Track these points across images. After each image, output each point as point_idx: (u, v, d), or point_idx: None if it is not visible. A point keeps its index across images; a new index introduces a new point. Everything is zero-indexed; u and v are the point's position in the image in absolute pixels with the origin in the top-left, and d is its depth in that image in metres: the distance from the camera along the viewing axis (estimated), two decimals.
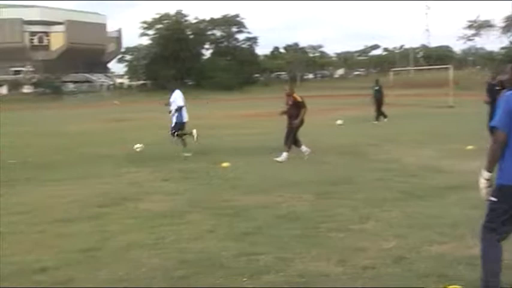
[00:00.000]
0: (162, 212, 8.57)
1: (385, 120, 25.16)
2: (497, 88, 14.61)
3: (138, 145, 16.11)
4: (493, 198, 4.73)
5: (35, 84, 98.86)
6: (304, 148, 13.88)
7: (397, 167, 12.08)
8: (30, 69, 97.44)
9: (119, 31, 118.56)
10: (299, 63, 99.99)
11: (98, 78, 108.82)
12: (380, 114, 25.66)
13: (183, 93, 15.58)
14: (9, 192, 10.75)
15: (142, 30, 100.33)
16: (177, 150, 15.17)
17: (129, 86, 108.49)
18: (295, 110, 13.73)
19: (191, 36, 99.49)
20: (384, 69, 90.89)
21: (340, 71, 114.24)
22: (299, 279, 5.49)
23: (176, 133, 15.66)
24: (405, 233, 6.93)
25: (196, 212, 8.47)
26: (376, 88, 26.19)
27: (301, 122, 13.82)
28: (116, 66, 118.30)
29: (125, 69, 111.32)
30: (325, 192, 9.59)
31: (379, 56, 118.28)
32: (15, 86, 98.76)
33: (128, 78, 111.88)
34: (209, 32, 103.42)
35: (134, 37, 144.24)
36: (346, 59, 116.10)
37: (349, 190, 9.75)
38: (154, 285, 5.48)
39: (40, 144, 19.31)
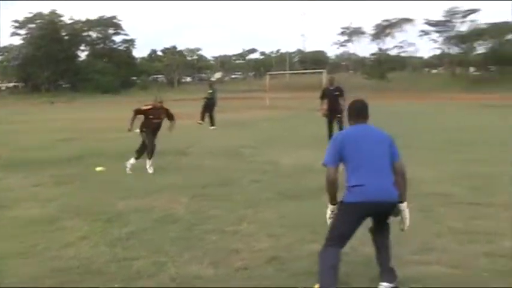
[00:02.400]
0: (33, 219, 8.21)
1: (213, 128, 23.82)
2: (336, 94, 15.54)
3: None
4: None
5: None
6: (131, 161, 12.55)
7: (273, 168, 12.27)
8: None
9: None
10: (177, 66, 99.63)
11: None
12: (205, 117, 24.64)
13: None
14: None
15: (13, 30, 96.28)
16: (51, 155, 14.64)
17: None
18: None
19: (66, 37, 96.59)
20: (261, 73, 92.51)
21: (218, 75, 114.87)
22: (171, 283, 5.46)
23: None
24: (279, 233, 7.07)
25: (69, 218, 8.18)
26: (210, 91, 25.21)
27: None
28: None
29: None
30: (202, 195, 9.60)
31: (256, 60, 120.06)
32: None
33: None
34: (85, 33, 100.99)
35: (5, 37, 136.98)
36: (224, 63, 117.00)
37: (226, 192, 9.80)
38: None
39: None
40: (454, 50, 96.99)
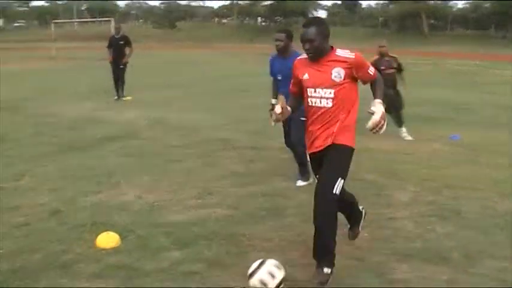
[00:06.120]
0: None
1: None
2: (121, 43, 15.55)
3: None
4: None
5: None
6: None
7: (55, 120, 11.88)
8: None
9: None
10: None
11: None
12: None
13: None
14: None
15: None
16: None
17: None
18: None
19: None
20: (46, 21, 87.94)
21: None
22: None
23: None
24: (61, 186, 6.90)
25: None
26: None
27: None
28: None
29: None
30: None
31: (41, 7, 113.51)
32: None
33: None
34: None
35: None
36: (5, 9, 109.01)
37: (4, 147, 9.29)
38: None
39: None
40: (243, 0, 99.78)
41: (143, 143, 9.59)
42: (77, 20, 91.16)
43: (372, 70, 4.48)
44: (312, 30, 4.33)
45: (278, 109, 4.42)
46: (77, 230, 5.40)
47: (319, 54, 4.37)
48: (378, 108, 4.29)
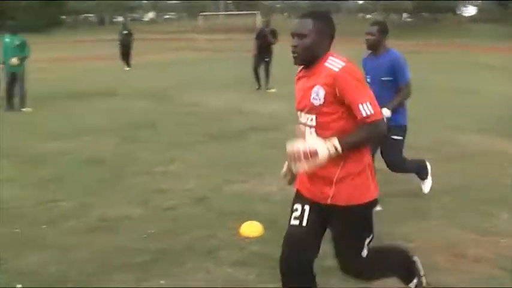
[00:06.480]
0: None
1: (128, 69, 23.22)
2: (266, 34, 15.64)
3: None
4: None
5: None
6: None
7: (201, 110, 12.29)
8: None
9: None
10: (108, 6, 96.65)
11: None
12: (127, 60, 23.60)
13: None
14: None
15: None
16: None
17: None
18: None
19: None
20: (194, 13, 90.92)
21: (151, 15, 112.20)
22: (100, 223, 5.44)
23: None
24: (207, 174, 7.13)
25: None
26: (125, 32, 23.84)
27: None
28: None
29: None
30: (129, 136, 9.53)
31: (189, 1, 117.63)
32: None
33: None
34: None
35: None
36: (156, 2, 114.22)
37: (154, 134, 9.83)
38: None
39: None
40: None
41: (287, 135, 9.59)
42: (223, 12, 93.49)
43: (367, 108, 2.98)
44: (307, 23, 3.13)
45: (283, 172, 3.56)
46: (222, 218, 5.55)
47: (308, 59, 3.16)
48: (316, 142, 3.02)
